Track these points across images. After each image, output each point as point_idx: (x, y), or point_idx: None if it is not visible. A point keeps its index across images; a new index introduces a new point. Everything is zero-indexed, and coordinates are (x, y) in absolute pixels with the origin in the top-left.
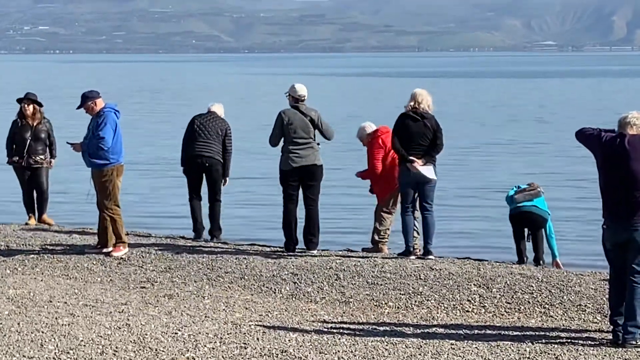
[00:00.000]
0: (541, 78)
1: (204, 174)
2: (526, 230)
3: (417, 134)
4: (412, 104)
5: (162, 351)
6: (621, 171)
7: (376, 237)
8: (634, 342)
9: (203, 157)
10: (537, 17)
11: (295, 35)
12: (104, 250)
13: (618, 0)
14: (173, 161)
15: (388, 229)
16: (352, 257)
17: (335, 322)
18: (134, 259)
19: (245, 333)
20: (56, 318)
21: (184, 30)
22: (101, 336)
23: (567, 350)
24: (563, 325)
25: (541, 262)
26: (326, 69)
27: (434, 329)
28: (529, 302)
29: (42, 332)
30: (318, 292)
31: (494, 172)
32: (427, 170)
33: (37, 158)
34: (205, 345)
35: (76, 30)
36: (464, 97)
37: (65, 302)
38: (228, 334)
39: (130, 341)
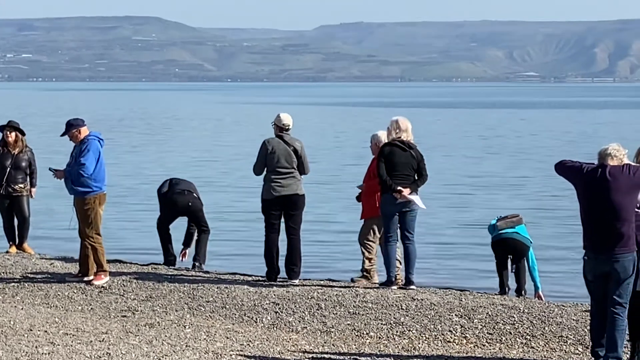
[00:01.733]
0: (523, 109)
1: (183, 212)
2: (509, 259)
3: (404, 164)
4: (396, 132)
5: None
6: (602, 202)
7: (367, 266)
8: None
9: (185, 193)
10: (520, 48)
11: (278, 64)
12: (85, 278)
13: (600, 32)
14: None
15: (375, 257)
16: (334, 286)
17: (316, 352)
18: (115, 287)
19: None
20: (36, 347)
21: (166, 58)
22: None
23: None
24: (544, 357)
25: (523, 292)
26: (309, 99)
27: (415, 359)
28: (510, 333)
29: None
30: (299, 321)
31: (473, 206)
32: (417, 199)
33: (17, 186)
34: None
35: (59, 58)
36: (445, 128)
37: (46, 331)
38: None
39: None
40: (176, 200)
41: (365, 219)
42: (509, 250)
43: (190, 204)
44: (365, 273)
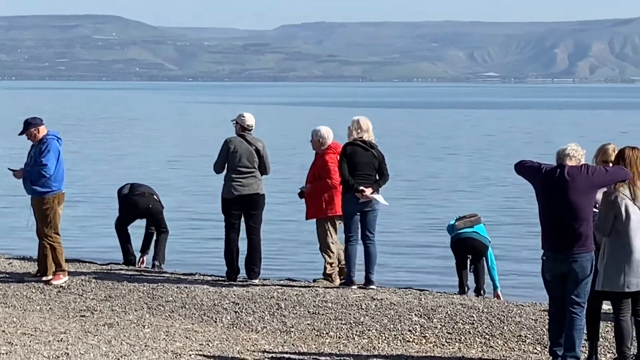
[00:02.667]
0: (483, 109)
1: (141, 214)
2: (468, 259)
3: (365, 163)
4: (358, 133)
5: None
6: (561, 202)
7: (328, 270)
8: None
9: (145, 195)
10: (480, 48)
11: (239, 64)
12: (44, 278)
13: (560, 33)
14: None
15: (335, 260)
16: (294, 286)
17: (276, 352)
18: (73, 287)
19: None
20: None
21: (127, 57)
22: None
23: None
24: (503, 356)
25: (482, 292)
26: (270, 98)
27: (374, 359)
28: (469, 333)
29: None
30: (259, 321)
31: (432, 206)
32: (380, 197)
33: None
34: None
35: (19, 56)
36: (405, 128)
37: (4, 331)
38: None
39: None
40: (137, 202)
41: (318, 221)
42: (467, 250)
43: (150, 206)
44: (327, 277)
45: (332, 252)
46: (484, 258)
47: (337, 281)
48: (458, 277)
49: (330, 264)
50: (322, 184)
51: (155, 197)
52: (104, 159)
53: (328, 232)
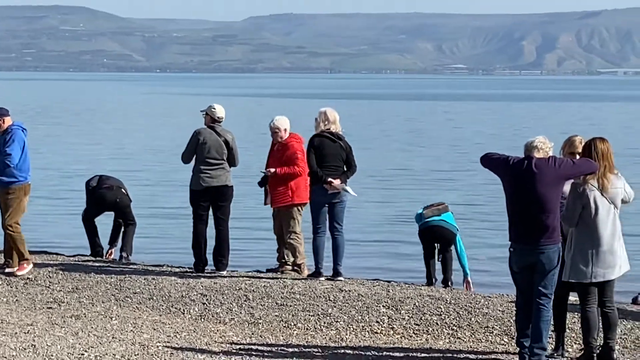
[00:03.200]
0: (451, 101)
1: (108, 206)
2: (437, 247)
3: (333, 155)
4: (325, 124)
5: None
6: (528, 194)
7: (298, 260)
8: None
9: (113, 188)
10: (449, 40)
11: (207, 55)
12: (7, 270)
13: (528, 26)
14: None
15: (303, 249)
16: (262, 278)
17: (243, 344)
18: (40, 278)
19: (152, 354)
20: None
21: (95, 48)
22: (6, 357)
23: None
24: (470, 347)
25: (450, 283)
26: (238, 90)
27: (342, 350)
28: (437, 324)
29: None
30: (227, 313)
31: (400, 198)
32: (348, 188)
33: None
34: None
35: None
36: (373, 119)
37: None
38: (135, 355)
39: None
40: (104, 195)
41: (285, 210)
42: (435, 238)
43: (117, 200)
44: (296, 267)
45: (301, 240)
46: (452, 247)
47: (306, 272)
48: (426, 267)
49: (299, 253)
50: (290, 170)
51: (123, 190)
52: (69, 149)
53: (295, 221)
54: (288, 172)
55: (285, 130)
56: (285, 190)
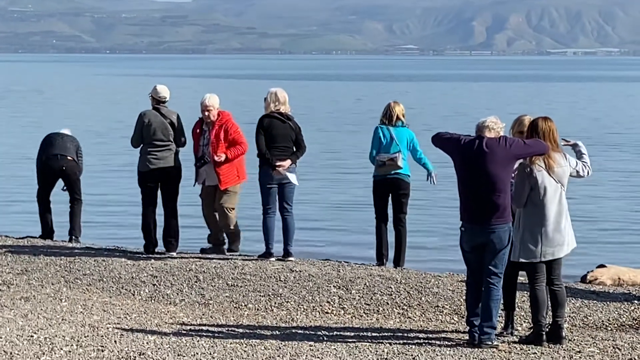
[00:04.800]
0: (401, 82)
1: (59, 177)
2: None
3: (282, 135)
4: (275, 105)
5: (17, 354)
6: (479, 173)
7: (217, 241)
8: (489, 343)
9: (59, 158)
10: (399, 21)
11: (157, 36)
12: None
13: (478, 6)
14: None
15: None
16: (212, 259)
17: (194, 324)
18: None
19: (102, 336)
20: None
21: (44, 30)
22: None
23: (425, 351)
24: (421, 327)
25: (401, 263)
26: (188, 71)
27: (293, 330)
28: (387, 304)
29: None
30: (177, 294)
31: (352, 177)
32: (292, 177)
33: None
34: (61, 349)
35: None
36: (323, 100)
37: None
38: (85, 336)
39: None
40: (49, 165)
41: (230, 189)
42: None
43: (64, 167)
44: (233, 247)
45: (234, 219)
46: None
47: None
48: (377, 239)
49: (231, 228)
50: (237, 150)
51: (69, 157)
52: (13, 131)
53: (235, 199)
54: (237, 154)
55: (217, 109)
56: (232, 170)
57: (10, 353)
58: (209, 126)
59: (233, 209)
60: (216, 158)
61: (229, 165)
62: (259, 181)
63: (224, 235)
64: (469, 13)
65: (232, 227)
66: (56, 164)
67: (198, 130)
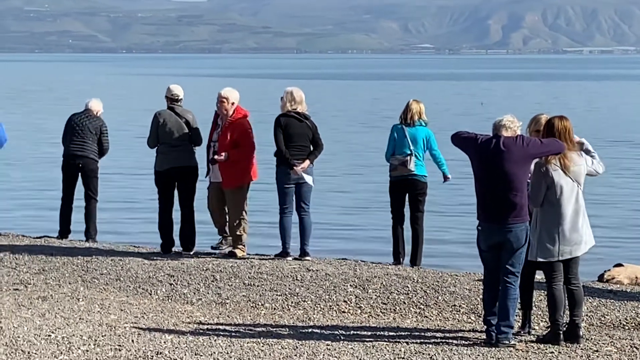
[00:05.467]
0: (418, 81)
1: (78, 174)
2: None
3: (300, 135)
4: (291, 104)
5: (35, 354)
6: (496, 172)
7: (245, 238)
8: (506, 342)
9: (77, 156)
10: (414, 19)
11: (173, 35)
12: None
13: (494, 5)
14: (46, 158)
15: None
16: (229, 258)
17: (211, 324)
18: (7, 260)
19: (120, 335)
20: None
21: (60, 29)
22: None
23: (442, 350)
24: (438, 326)
25: (417, 262)
26: (204, 70)
27: (310, 329)
28: (404, 303)
29: None
30: (194, 293)
31: (369, 177)
32: (308, 178)
33: None
34: (79, 348)
35: None
36: (340, 99)
37: None
38: (102, 336)
39: (2, 344)
40: (67, 163)
41: (235, 189)
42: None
43: (80, 165)
44: (240, 246)
45: (246, 221)
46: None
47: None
48: (393, 239)
49: (245, 232)
50: (243, 150)
51: (87, 156)
52: (29, 131)
53: (244, 200)
54: (240, 155)
55: (232, 103)
56: (235, 171)
57: (28, 352)
58: (223, 121)
59: (241, 212)
60: (216, 157)
61: (232, 165)
62: (276, 180)
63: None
64: (485, 12)
65: (237, 232)
66: (73, 163)
67: (213, 124)
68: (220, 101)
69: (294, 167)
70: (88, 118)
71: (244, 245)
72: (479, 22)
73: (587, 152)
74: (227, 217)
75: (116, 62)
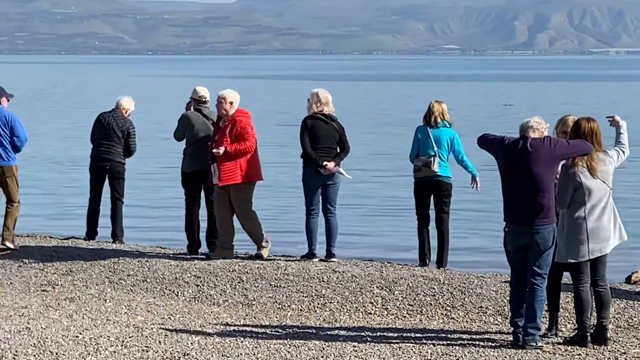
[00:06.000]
0: (444, 82)
1: (106, 175)
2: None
3: (326, 136)
4: (318, 106)
5: (63, 355)
6: (523, 174)
7: (264, 232)
8: (533, 344)
9: (103, 158)
10: (440, 20)
11: (199, 37)
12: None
13: (520, 5)
14: (76, 159)
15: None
16: (255, 259)
17: (237, 325)
18: (34, 261)
19: (147, 336)
20: None
21: (86, 31)
22: (0, 340)
23: (468, 352)
24: (464, 327)
25: (443, 264)
26: (231, 71)
27: (336, 331)
28: (430, 304)
29: None
30: (221, 294)
31: (394, 178)
32: (342, 170)
33: None
34: (106, 349)
35: None
36: (366, 100)
37: None
38: (130, 337)
39: (31, 345)
40: (93, 164)
41: (235, 188)
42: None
43: (107, 167)
44: (264, 242)
45: (255, 219)
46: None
47: (269, 245)
48: (419, 240)
49: (259, 230)
50: (240, 147)
51: (113, 159)
52: (56, 133)
53: (246, 200)
54: (238, 149)
55: (231, 103)
56: (235, 167)
57: (56, 353)
58: (223, 121)
59: (249, 212)
60: (214, 151)
61: (230, 161)
62: (303, 182)
63: (233, 239)
64: (511, 13)
65: (255, 233)
66: (100, 164)
67: (215, 126)
68: (218, 102)
69: (325, 166)
70: (115, 119)
71: (267, 242)
72: (505, 23)
73: (619, 134)
74: (240, 222)
75: (142, 64)
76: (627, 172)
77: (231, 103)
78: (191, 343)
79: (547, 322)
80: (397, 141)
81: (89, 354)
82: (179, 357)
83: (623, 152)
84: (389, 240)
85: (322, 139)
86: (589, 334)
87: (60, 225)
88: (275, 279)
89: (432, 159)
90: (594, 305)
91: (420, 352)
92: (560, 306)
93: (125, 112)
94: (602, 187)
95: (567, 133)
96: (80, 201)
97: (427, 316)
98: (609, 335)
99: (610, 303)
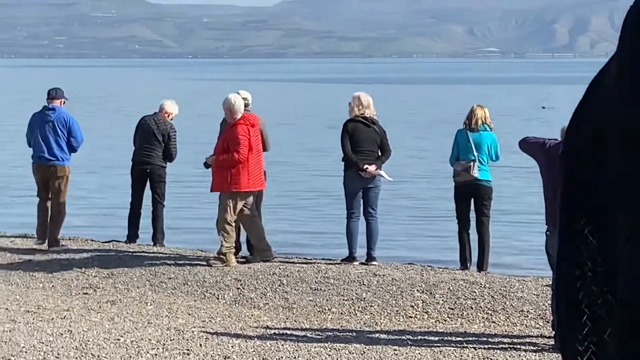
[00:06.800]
0: (484, 85)
1: (147, 179)
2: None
3: (368, 140)
4: (359, 109)
5: (104, 357)
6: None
7: (224, 249)
8: None
9: (144, 162)
10: (480, 23)
11: (238, 40)
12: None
13: (559, 8)
14: (117, 163)
15: (232, 242)
16: (295, 262)
17: (278, 328)
18: (76, 264)
19: (188, 339)
20: None
21: (126, 35)
22: (43, 342)
23: (510, 356)
24: (505, 331)
25: (484, 267)
26: (270, 75)
27: (377, 334)
28: (471, 308)
29: None
30: (261, 298)
31: (435, 182)
32: (383, 173)
33: None
34: (147, 352)
35: (17, 34)
36: (407, 104)
37: (7, 309)
38: (171, 340)
39: (72, 347)
40: (134, 168)
41: (222, 196)
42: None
43: (148, 170)
44: (220, 255)
45: (231, 233)
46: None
47: (233, 261)
48: (459, 244)
49: (226, 242)
50: (229, 157)
51: (153, 163)
52: (98, 136)
53: (228, 208)
54: (226, 160)
55: (229, 110)
56: (223, 175)
57: (98, 356)
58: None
59: (223, 222)
60: (206, 158)
61: (219, 169)
62: (344, 185)
63: (266, 240)
64: (551, 15)
65: (226, 235)
66: (141, 168)
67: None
68: (224, 108)
69: (366, 169)
70: (157, 122)
71: (224, 256)
72: (545, 26)
73: None
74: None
75: (182, 68)
76: None
77: (229, 110)
78: (231, 346)
79: None
80: (441, 143)
81: (130, 357)
82: None
83: None
84: (430, 242)
85: (362, 142)
86: None
87: (102, 228)
88: (315, 282)
89: (472, 163)
90: None
91: (462, 356)
92: None
93: (168, 116)
94: None
95: None
96: (122, 204)
97: (468, 320)
98: None
99: None
